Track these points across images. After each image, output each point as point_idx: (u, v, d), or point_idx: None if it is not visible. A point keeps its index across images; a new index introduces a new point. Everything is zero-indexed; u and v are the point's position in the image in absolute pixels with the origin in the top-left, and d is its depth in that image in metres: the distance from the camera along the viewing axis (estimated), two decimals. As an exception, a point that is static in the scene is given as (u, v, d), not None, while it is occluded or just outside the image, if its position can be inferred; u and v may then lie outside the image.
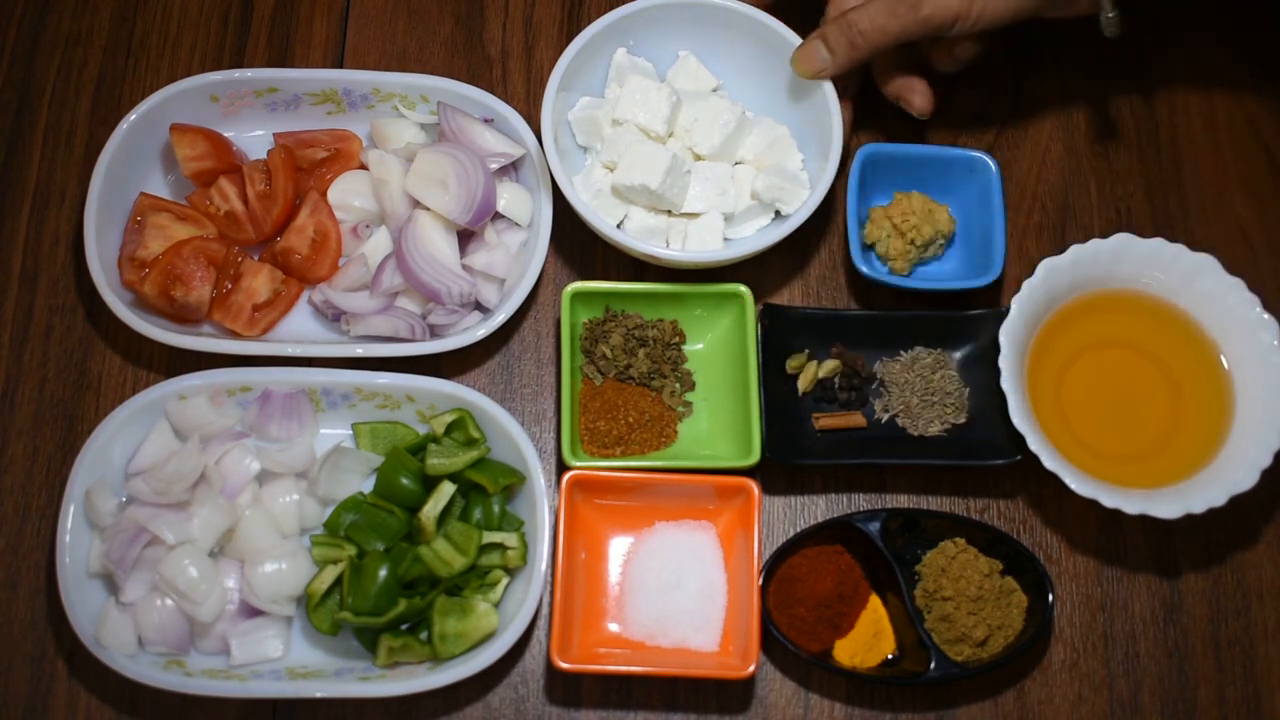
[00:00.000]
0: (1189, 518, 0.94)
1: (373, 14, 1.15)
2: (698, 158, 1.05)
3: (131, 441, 0.97)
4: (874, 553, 0.96)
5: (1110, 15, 0.99)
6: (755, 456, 0.97)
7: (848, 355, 1.03)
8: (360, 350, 1.01)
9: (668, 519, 0.98)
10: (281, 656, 0.94)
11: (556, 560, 0.94)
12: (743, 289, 1.01)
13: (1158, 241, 1.01)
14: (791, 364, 1.03)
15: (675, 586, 0.95)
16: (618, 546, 0.98)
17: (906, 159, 1.06)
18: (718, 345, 1.04)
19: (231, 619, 0.94)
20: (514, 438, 0.96)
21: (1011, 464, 0.97)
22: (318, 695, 0.91)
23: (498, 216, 1.04)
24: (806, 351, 1.03)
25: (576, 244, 1.08)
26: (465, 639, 0.93)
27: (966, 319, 1.03)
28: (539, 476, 0.95)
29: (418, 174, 1.02)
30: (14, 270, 1.06)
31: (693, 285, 1.02)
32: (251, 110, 1.08)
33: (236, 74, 1.07)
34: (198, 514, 0.94)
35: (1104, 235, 1.01)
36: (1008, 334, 0.97)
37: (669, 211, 1.04)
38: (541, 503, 0.95)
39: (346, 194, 1.05)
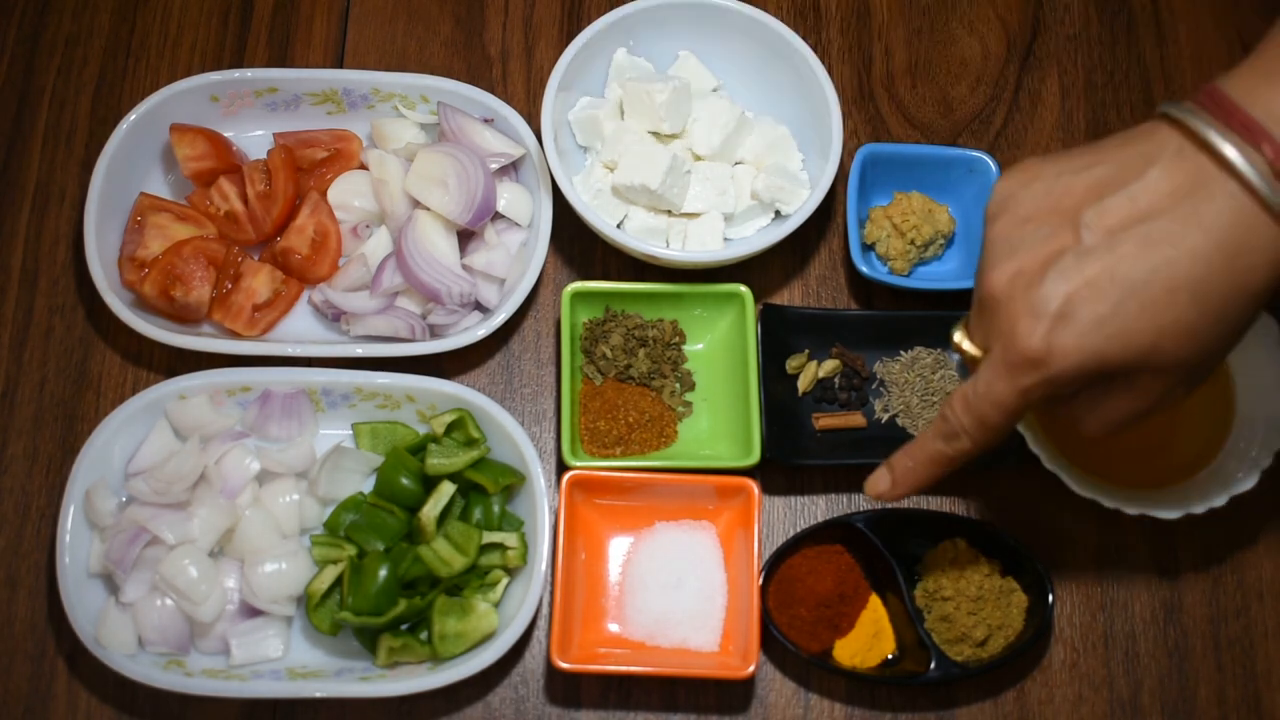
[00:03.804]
0: (1189, 518, 0.94)
1: (373, 14, 1.15)
2: (698, 158, 1.05)
3: (131, 441, 0.97)
4: (874, 553, 0.96)
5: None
6: (755, 456, 0.97)
7: (848, 355, 1.03)
8: (360, 350, 1.01)
9: (668, 519, 0.98)
10: (281, 656, 0.94)
11: (556, 560, 0.94)
12: (743, 289, 1.01)
13: (1158, 241, 1.01)
14: (791, 364, 1.03)
15: (675, 586, 0.95)
16: (618, 546, 0.98)
17: (906, 159, 1.06)
18: (718, 345, 1.04)
19: (231, 619, 0.94)
20: (514, 438, 0.96)
21: (1011, 464, 0.97)
22: (318, 695, 0.91)
23: (498, 216, 1.04)
24: (806, 351, 1.03)
25: (576, 244, 1.08)
26: (465, 639, 0.93)
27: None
28: (539, 476, 0.95)
29: (418, 174, 1.02)
30: (14, 270, 1.06)
31: (693, 285, 1.02)
32: (251, 110, 1.08)
33: (236, 74, 1.07)
34: (198, 514, 0.94)
35: (1104, 235, 1.01)
36: (1008, 334, 0.97)
37: (669, 211, 1.04)
38: (541, 503, 0.95)
39: (346, 194, 1.05)
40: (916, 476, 0.81)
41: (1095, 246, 0.68)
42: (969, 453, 0.77)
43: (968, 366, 0.77)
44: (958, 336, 0.77)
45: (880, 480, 0.83)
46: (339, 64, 1.13)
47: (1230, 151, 0.66)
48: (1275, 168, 0.66)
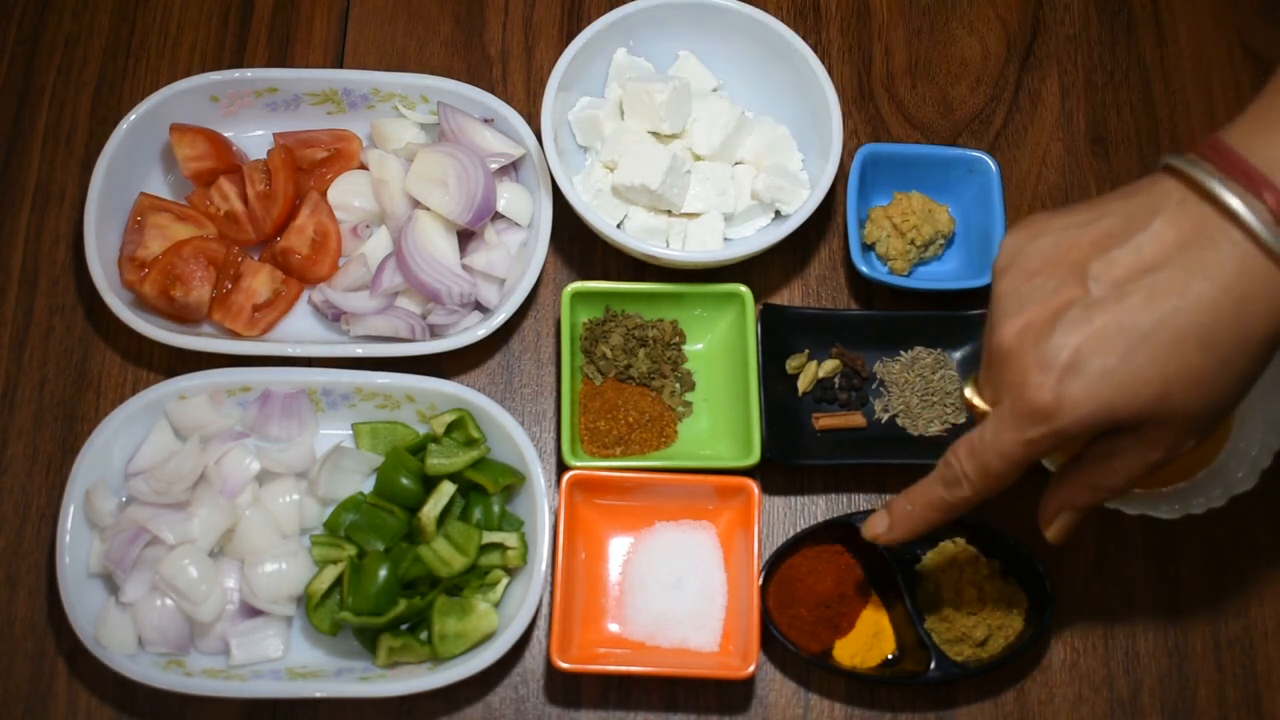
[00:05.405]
0: (1189, 518, 0.94)
1: (373, 14, 1.15)
2: (698, 158, 1.05)
3: (131, 441, 0.97)
4: (874, 553, 0.96)
5: None
6: (755, 456, 0.97)
7: (848, 355, 1.03)
8: (360, 350, 1.01)
9: (668, 519, 0.98)
10: (281, 656, 0.94)
11: (556, 560, 0.94)
12: (743, 289, 1.01)
13: (1158, 241, 1.01)
14: (791, 364, 1.03)
15: (675, 586, 0.95)
16: (618, 546, 0.98)
17: (906, 159, 1.06)
18: (718, 345, 1.04)
19: (231, 619, 0.94)
20: (514, 438, 0.96)
21: (1011, 464, 0.97)
22: (318, 695, 0.91)
23: (498, 216, 1.04)
24: (806, 351, 1.03)
25: (576, 244, 1.08)
26: (465, 639, 0.93)
27: (966, 319, 1.03)
28: (539, 476, 0.95)
29: (418, 174, 1.02)
30: (14, 270, 1.06)
31: (693, 285, 1.02)
32: (251, 110, 1.08)
33: (236, 74, 1.07)
34: (198, 514, 0.94)
35: (1104, 235, 1.01)
36: (1008, 334, 0.97)
37: (669, 211, 1.04)
38: (541, 503, 0.95)
39: (346, 194, 1.05)
40: (914, 520, 0.82)
41: (1103, 298, 0.69)
42: (969, 500, 0.78)
43: (978, 423, 0.77)
44: (969, 393, 0.78)
45: (878, 523, 0.84)
46: (339, 64, 1.13)
47: (1233, 200, 0.67)
48: (1277, 215, 0.66)
